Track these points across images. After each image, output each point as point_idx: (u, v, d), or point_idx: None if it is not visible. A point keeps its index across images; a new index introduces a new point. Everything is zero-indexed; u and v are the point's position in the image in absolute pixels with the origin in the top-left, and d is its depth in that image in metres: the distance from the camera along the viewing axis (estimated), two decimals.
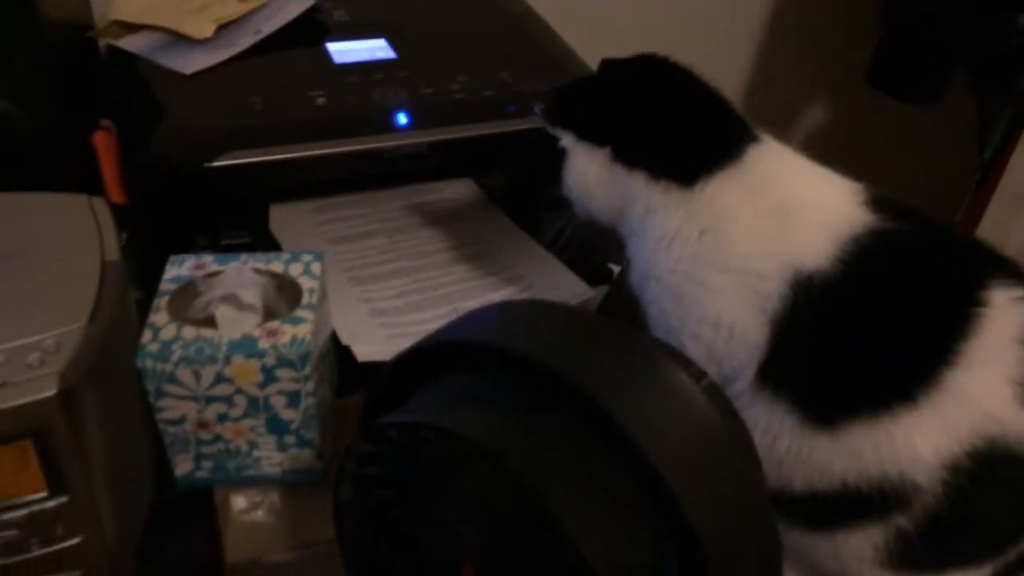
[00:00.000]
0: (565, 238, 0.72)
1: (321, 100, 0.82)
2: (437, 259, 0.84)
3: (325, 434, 0.67)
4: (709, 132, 0.62)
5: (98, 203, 0.63)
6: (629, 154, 0.63)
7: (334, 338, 0.72)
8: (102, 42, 0.92)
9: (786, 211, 0.58)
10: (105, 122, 0.89)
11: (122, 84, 0.86)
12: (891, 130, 1.41)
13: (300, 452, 0.66)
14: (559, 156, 0.67)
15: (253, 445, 0.65)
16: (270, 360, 0.61)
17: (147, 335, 0.61)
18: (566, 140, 0.67)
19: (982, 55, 1.11)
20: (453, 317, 0.78)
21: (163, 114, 0.79)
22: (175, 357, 0.60)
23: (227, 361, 0.60)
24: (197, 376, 0.61)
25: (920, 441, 0.53)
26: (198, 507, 0.67)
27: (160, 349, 0.60)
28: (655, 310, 0.62)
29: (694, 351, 0.59)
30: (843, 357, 0.55)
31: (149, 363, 0.60)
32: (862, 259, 0.55)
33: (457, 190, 0.92)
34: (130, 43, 0.88)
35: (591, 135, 0.65)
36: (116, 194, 0.87)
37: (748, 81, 1.44)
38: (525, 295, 0.79)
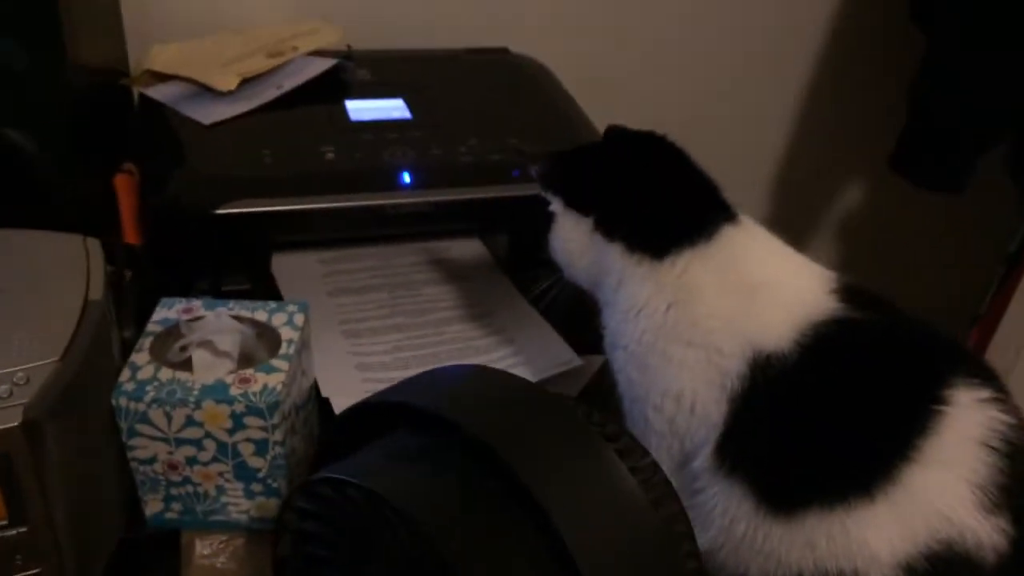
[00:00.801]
0: (551, 296, 0.73)
1: (331, 155, 0.85)
2: (433, 318, 0.85)
3: (294, 484, 0.68)
4: (685, 210, 0.63)
5: (92, 243, 0.65)
6: (609, 225, 0.64)
7: (317, 389, 0.73)
8: (136, 89, 0.96)
9: (751, 290, 0.58)
10: (128, 165, 0.92)
11: (146, 130, 0.90)
12: (916, 216, 1.39)
13: (267, 501, 0.67)
14: (548, 219, 0.68)
15: (221, 490, 0.66)
16: (239, 407, 0.62)
17: (126, 374, 0.63)
18: (555, 205, 0.69)
19: None
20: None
21: (177, 161, 0.82)
22: (148, 397, 0.62)
23: (198, 405, 0.62)
24: (168, 417, 0.62)
25: (874, 538, 0.52)
26: (166, 548, 0.68)
27: (135, 388, 0.62)
28: (623, 379, 0.62)
29: (657, 424, 0.59)
30: (798, 443, 0.54)
31: (123, 401, 0.62)
32: (822, 346, 0.55)
33: (464, 249, 0.93)
34: (159, 92, 0.92)
35: (577, 203, 0.67)
36: (132, 235, 0.90)
37: (772, 160, 1.44)
38: (512, 360, 0.80)
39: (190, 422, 0.62)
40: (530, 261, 0.88)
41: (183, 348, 0.63)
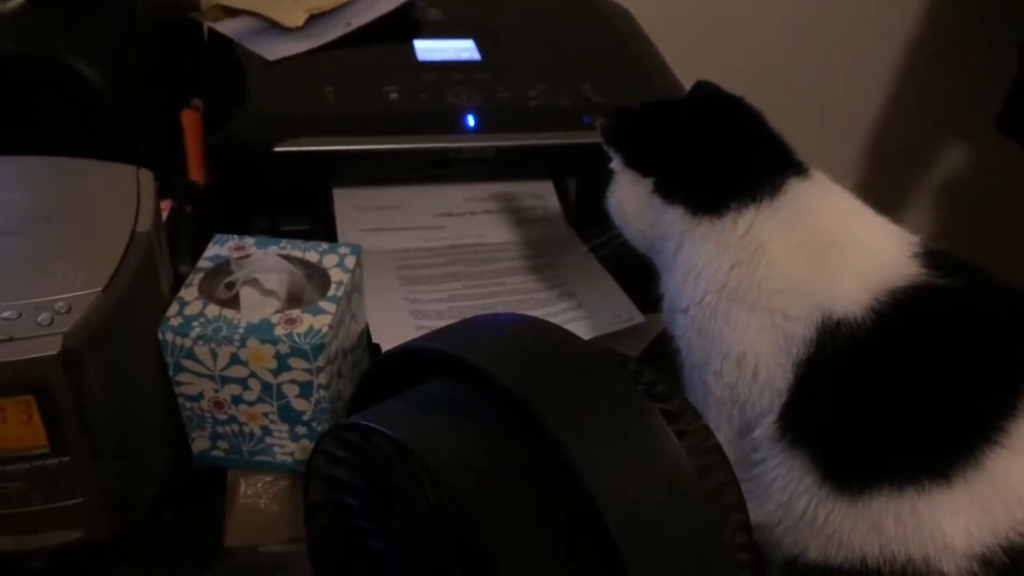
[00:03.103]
0: (607, 251, 0.70)
1: (394, 96, 0.82)
2: (493, 267, 0.82)
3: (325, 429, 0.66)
4: (746, 162, 0.58)
5: (144, 175, 0.64)
6: (669, 188, 0.61)
7: (369, 334, 0.71)
8: (205, 24, 0.95)
9: (822, 251, 0.54)
10: (195, 101, 0.92)
11: (213, 66, 0.89)
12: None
13: (311, 444, 0.65)
14: (608, 174, 0.64)
15: (266, 431, 0.65)
16: (283, 348, 0.60)
17: (173, 308, 0.62)
18: (616, 162, 0.65)
19: None
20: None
21: (240, 97, 0.81)
22: (194, 333, 0.61)
23: (243, 343, 0.60)
24: (214, 354, 0.61)
25: (949, 525, 0.48)
26: (212, 485, 0.68)
27: (181, 324, 0.61)
28: (683, 344, 0.58)
29: (717, 390, 0.55)
30: (869, 417, 0.50)
31: (169, 336, 0.61)
32: (900, 314, 0.50)
33: (531, 194, 0.89)
34: (226, 27, 0.91)
35: (638, 163, 0.63)
36: (197, 171, 0.89)
37: (870, 122, 1.36)
38: (572, 314, 0.76)
39: (235, 360, 0.61)
40: (598, 210, 0.85)
41: (230, 285, 0.62)
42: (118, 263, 0.57)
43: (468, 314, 0.78)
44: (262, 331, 0.61)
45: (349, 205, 0.84)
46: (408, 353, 0.48)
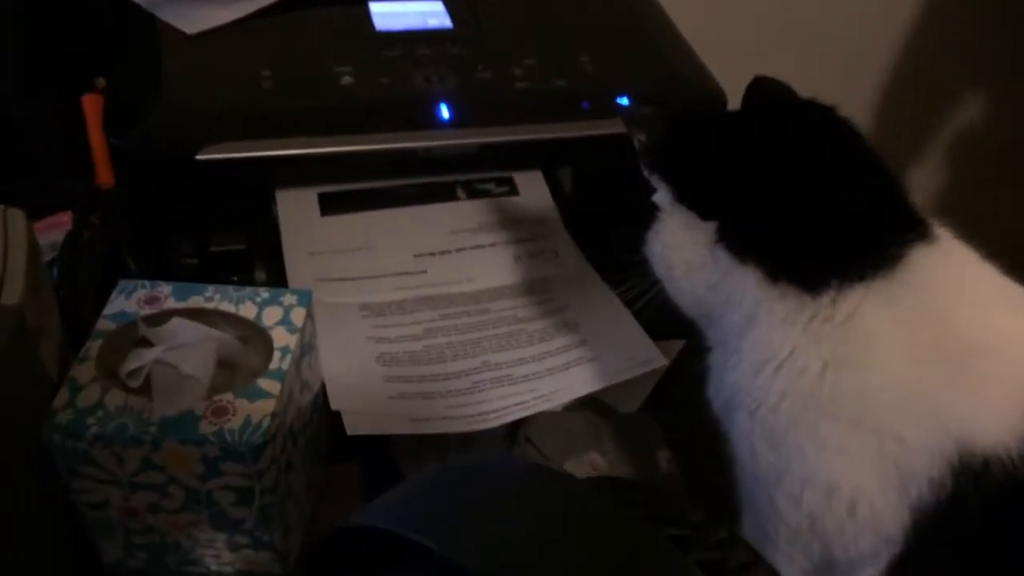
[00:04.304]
0: (637, 307, 0.55)
1: (348, 79, 0.66)
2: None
3: (292, 530, 0.52)
4: (854, 218, 0.43)
5: (14, 218, 0.48)
6: (741, 238, 0.45)
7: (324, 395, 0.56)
8: None
9: (959, 354, 0.40)
10: (100, 81, 0.74)
11: (116, 41, 0.71)
12: None
13: (256, 554, 0.51)
14: (648, 212, 0.49)
15: (196, 541, 0.51)
16: (212, 450, 0.46)
17: (62, 397, 0.47)
18: (661, 195, 0.49)
19: None
20: (482, 374, 0.64)
21: (150, 85, 0.64)
22: (90, 433, 0.45)
23: (156, 445, 0.46)
24: (119, 459, 0.46)
25: None
26: None
27: (73, 421, 0.46)
28: (743, 450, 0.45)
29: (791, 517, 0.42)
30: None
31: (57, 439, 0.46)
32: None
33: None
34: None
35: (694, 199, 0.47)
36: (106, 171, 0.72)
37: (891, 75, 1.22)
38: (576, 354, 0.62)
39: (149, 465, 0.46)
40: (606, 224, 0.70)
41: (135, 371, 0.47)
42: None
43: (448, 356, 0.64)
44: (183, 428, 0.46)
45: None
46: (364, 534, 0.34)
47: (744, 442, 0.45)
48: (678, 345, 0.67)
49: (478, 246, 0.68)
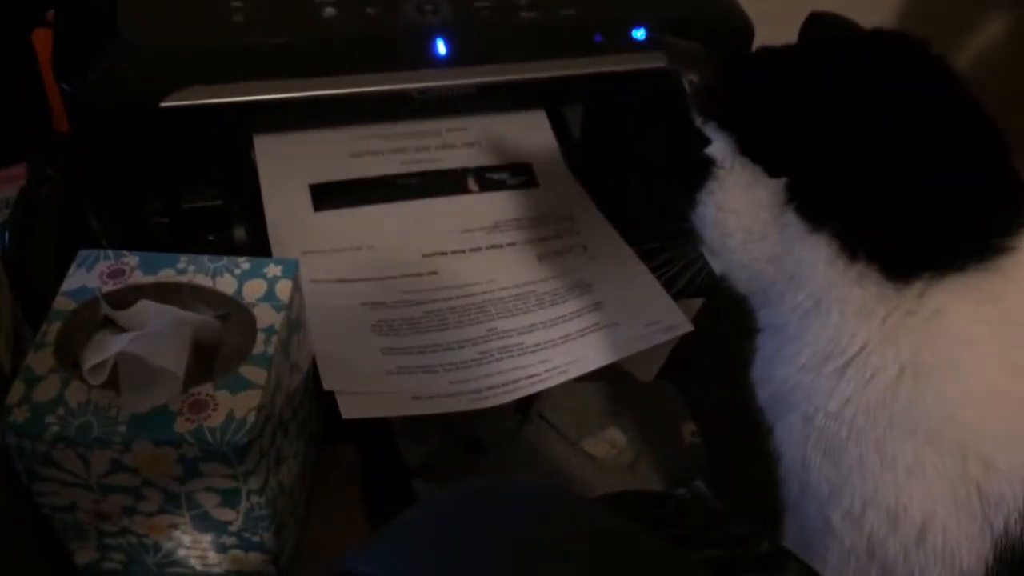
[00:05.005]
0: (667, 277, 0.49)
1: (330, 11, 0.58)
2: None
3: (285, 527, 0.47)
4: (963, 197, 0.36)
5: None
6: (816, 200, 0.38)
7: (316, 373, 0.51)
8: None
9: None
10: (52, 15, 0.66)
11: None
12: None
13: (245, 555, 0.46)
14: (699, 169, 0.42)
15: (178, 543, 0.45)
16: (191, 451, 0.40)
17: (16, 391, 0.41)
18: (719, 145, 0.42)
19: None
20: (490, 343, 0.58)
21: (105, 20, 0.56)
22: (50, 434, 0.40)
23: (126, 446, 0.40)
24: (84, 461, 0.41)
25: None
26: None
27: (30, 420, 0.40)
28: (792, 455, 0.39)
29: (847, 536, 0.37)
30: None
31: (13, 440, 0.40)
32: None
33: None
34: None
35: (763, 151, 0.40)
36: (64, 119, 0.65)
37: None
38: (589, 319, 0.56)
39: (119, 467, 0.41)
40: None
41: (97, 366, 0.40)
42: None
43: (451, 323, 0.58)
44: (156, 427, 0.40)
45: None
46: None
47: (795, 448, 0.39)
48: (697, 303, 0.62)
49: (494, 246, 0.60)
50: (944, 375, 0.36)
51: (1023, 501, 0.34)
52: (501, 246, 0.60)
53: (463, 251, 0.59)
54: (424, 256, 0.58)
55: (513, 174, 0.63)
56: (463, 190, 0.62)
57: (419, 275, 0.57)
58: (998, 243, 0.36)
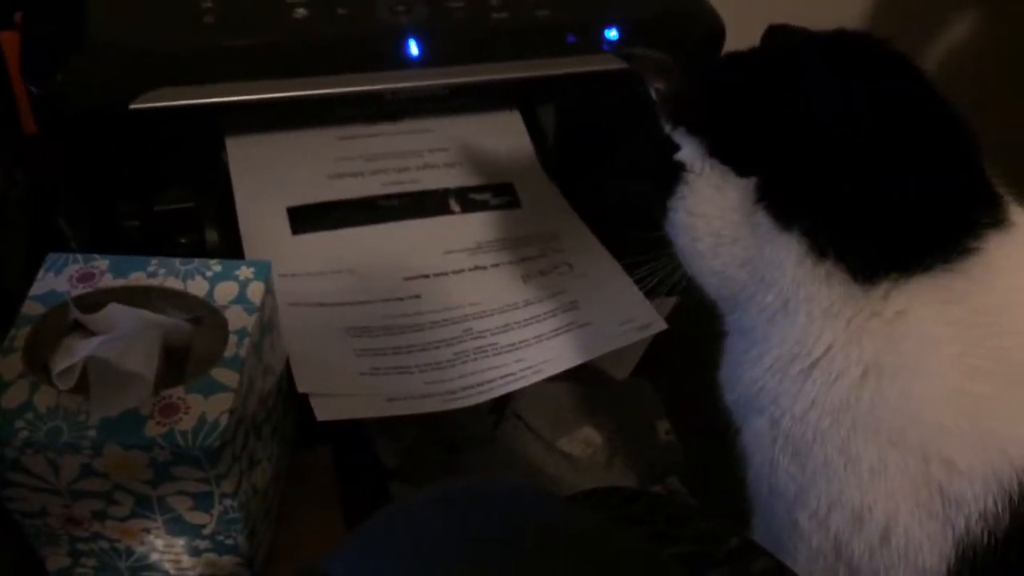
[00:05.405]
0: (658, 290, 0.49)
1: (301, 11, 0.58)
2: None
3: (258, 530, 0.47)
4: (925, 195, 0.37)
5: None
6: (786, 198, 0.38)
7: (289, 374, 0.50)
8: None
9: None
10: (19, 16, 0.65)
11: None
12: None
13: (219, 559, 0.46)
14: (671, 172, 0.42)
15: (151, 547, 0.45)
16: (162, 454, 0.40)
17: None
18: (688, 150, 0.42)
19: None
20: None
21: (73, 20, 0.55)
22: (19, 439, 0.39)
23: (97, 451, 0.40)
24: (54, 466, 0.40)
25: None
26: None
27: None
28: (759, 457, 0.39)
29: (813, 537, 0.37)
30: None
31: None
32: None
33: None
34: None
35: (732, 152, 0.40)
36: (32, 120, 0.64)
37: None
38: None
39: (89, 472, 0.41)
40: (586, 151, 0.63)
41: (66, 371, 0.40)
42: None
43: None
44: (126, 431, 0.40)
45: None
46: None
47: (762, 451, 0.39)
48: (671, 302, 0.62)
49: (478, 267, 0.59)
50: (907, 376, 0.36)
51: (984, 502, 0.34)
52: (485, 267, 0.59)
53: (445, 273, 0.58)
54: (405, 279, 0.57)
55: (495, 194, 0.63)
56: (445, 211, 0.61)
57: (400, 299, 0.56)
58: (964, 244, 0.36)
